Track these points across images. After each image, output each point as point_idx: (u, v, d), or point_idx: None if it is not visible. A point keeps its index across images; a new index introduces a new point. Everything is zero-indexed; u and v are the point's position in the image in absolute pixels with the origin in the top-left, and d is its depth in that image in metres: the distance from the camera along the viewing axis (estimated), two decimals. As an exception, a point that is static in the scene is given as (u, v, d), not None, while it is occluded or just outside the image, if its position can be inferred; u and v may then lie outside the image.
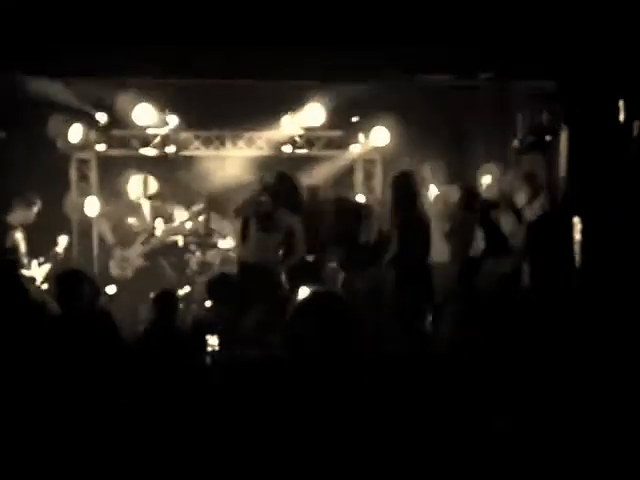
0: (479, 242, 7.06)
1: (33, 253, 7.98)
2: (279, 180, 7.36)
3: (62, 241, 8.41)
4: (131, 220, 8.72)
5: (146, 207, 8.90)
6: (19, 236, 7.82)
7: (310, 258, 7.42)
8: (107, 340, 4.78)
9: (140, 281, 8.35)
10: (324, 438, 2.63)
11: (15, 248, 7.68)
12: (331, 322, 2.79)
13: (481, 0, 7.02)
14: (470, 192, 7.38)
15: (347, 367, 2.79)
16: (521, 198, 6.88)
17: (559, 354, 3.88)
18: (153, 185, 8.85)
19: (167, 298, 5.74)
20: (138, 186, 8.88)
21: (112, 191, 9.05)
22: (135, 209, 8.84)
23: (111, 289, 8.07)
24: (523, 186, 6.98)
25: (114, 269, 8.54)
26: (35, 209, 7.96)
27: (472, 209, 7.13)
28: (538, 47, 7.05)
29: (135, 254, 8.63)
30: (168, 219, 8.89)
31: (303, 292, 7.37)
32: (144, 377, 4.36)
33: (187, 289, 8.59)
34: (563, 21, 6.78)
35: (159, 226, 8.79)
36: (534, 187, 6.98)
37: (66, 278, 5.11)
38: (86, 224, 9.03)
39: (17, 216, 7.81)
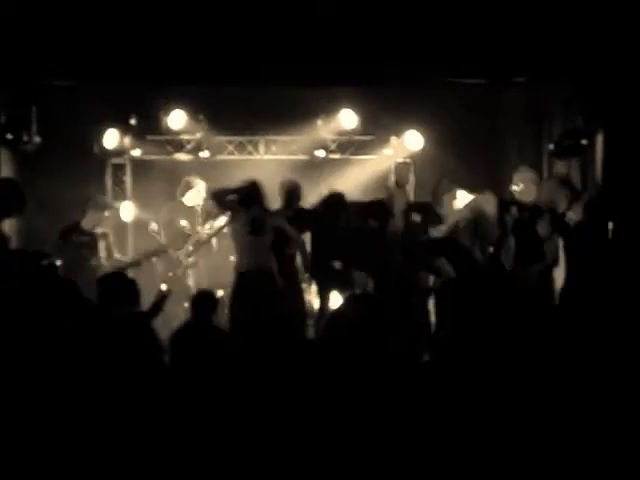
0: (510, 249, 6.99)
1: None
2: (251, 186, 7.40)
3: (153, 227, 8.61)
4: (183, 223, 8.77)
5: (197, 210, 8.96)
6: (96, 240, 7.88)
7: (337, 265, 7.45)
8: (145, 342, 4.81)
9: (183, 283, 8.46)
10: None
11: (91, 251, 7.75)
12: (369, 324, 2.80)
13: (516, 3, 7.02)
14: (504, 199, 7.31)
15: (382, 369, 2.81)
16: (562, 203, 6.79)
17: (593, 360, 3.86)
18: (204, 188, 8.90)
19: (206, 298, 5.77)
20: (191, 189, 8.93)
21: (152, 195, 9.11)
22: (186, 211, 8.89)
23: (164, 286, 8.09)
24: (562, 191, 6.89)
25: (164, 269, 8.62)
26: (107, 212, 7.98)
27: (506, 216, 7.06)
28: (573, 50, 7.02)
29: (185, 255, 8.71)
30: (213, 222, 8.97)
31: (334, 297, 7.47)
32: (180, 377, 4.38)
33: (220, 293, 8.62)
34: (601, 24, 6.74)
35: (207, 229, 8.87)
36: (574, 191, 6.92)
37: (108, 280, 5.16)
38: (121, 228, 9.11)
39: (90, 220, 7.85)
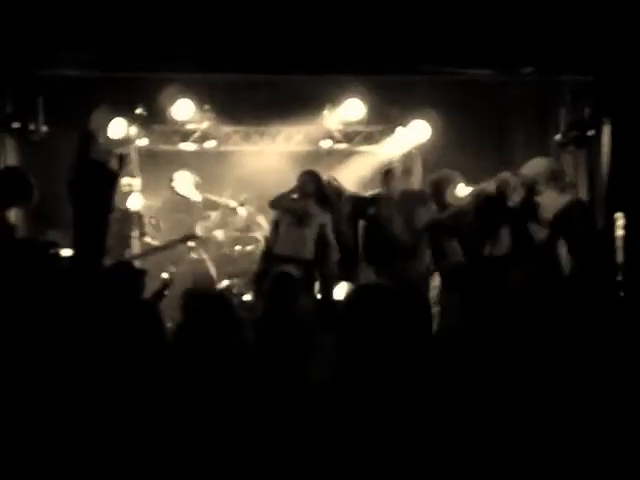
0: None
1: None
2: (309, 179, 7.40)
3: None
4: (181, 215, 8.78)
5: (196, 202, 8.98)
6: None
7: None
8: (151, 333, 4.81)
9: (187, 274, 8.44)
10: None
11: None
12: (383, 315, 2.79)
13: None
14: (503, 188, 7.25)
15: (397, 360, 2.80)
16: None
17: (600, 354, 3.83)
18: (201, 180, 8.93)
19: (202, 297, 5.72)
20: (188, 181, 8.95)
21: (159, 185, 9.13)
22: (185, 204, 8.91)
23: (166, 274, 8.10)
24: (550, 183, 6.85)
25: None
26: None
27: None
28: (580, 40, 7.00)
29: (188, 248, 8.72)
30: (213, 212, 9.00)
31: (340, 289, 7.45)
32: (181, 372, 4.37)
33: (226, 283, 8.63)
34: (608, 13, 6.72)
35: (207, 220, 8.88)
36: (559, 185, 6.87)
37: (118, 270, 5.16)
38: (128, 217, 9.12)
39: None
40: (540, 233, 6.59)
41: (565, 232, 6.32)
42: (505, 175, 6.78)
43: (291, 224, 7.30)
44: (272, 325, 5.11)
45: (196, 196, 8.96)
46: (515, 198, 6.78)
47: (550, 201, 6.43)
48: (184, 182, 8.93)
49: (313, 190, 7.36)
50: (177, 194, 8.94)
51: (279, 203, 7.47)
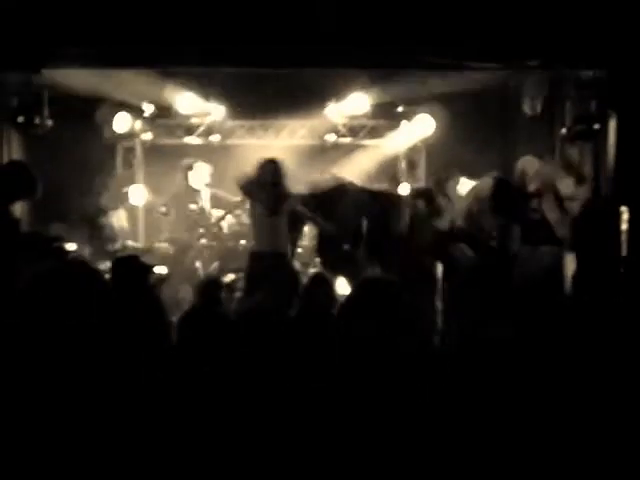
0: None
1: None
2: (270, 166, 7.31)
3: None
4: (192, 206, 8.80)
5: (205, 194, 8.99)
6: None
7: (347, 247, 7.42)
8: (154, 321, 4.80)
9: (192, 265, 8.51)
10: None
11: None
12: (387, 308, 2.77)
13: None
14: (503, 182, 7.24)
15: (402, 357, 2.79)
16: (566, 187, 6.78)
17: (605, 351, 3.81)
18: (210, 172, 8.94)
19: (211, 285, 5.74)
20: (204, 174, 8.95)
21: (164, 179, 9.14)
22: (194, 196, 8.93)
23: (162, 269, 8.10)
24: (566, 175, 6.87)
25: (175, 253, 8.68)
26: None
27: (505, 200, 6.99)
28: (586, 34, 6.97)
29: (196, 239, 8.77)
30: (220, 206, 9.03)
31: (341, 282, 7.44)
32: (185, 361, 4.37)
33: (231, 276, 8.63)
34: (613, 6, 6.69)
35: (215, 213, 8.91)
36: (577, 176, 6.89)
37: (123, 264, 5.16)
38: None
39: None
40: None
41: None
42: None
43: (263, 214, 7.12)
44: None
45: (206, 190, 8.97)
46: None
47: None
48: (200, 174, 8.93)
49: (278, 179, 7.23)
50: (189, 185, 8.93)
51: (247, 187, 7.26)
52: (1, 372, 2.97)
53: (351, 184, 7.86)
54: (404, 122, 9.33)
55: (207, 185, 8.93)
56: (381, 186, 8.74)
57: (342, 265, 7.42)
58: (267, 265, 6.85)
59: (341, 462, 2.68)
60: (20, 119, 7.74)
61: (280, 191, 7.05)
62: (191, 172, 8.86)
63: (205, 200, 8.95)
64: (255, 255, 7.12)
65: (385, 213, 7.64)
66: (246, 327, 3.95)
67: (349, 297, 2.98)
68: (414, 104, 9.02)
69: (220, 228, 8.94)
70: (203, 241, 8.77)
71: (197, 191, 8.92)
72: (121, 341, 3.88)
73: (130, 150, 9.42)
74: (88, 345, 3.41)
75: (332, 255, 7.50)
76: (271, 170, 7.05)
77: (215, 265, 8.71)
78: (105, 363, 3.49)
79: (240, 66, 7.88)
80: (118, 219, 8.52)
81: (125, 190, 8.92)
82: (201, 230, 8.76)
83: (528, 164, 7.01)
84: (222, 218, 8.93)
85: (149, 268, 5.42)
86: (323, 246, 7.66)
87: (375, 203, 7.71)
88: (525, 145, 8.72)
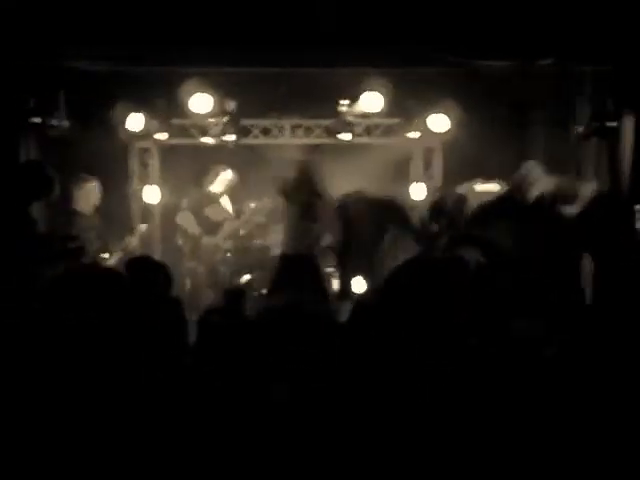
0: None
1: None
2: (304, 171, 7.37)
3: (142, 228, 8.68)
4: (209, 211, 8.88)
5: (225, 198, 9.06)
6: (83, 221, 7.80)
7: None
8: (175, 329, 4.80)
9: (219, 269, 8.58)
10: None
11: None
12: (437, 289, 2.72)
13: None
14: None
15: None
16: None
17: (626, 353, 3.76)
18: (233, 177, 9.03)
19: (236, 296, 5.72)
20: (228, 181, 9.01)
21: (178, 180, 9.19)
22: (214, 200, 9.00)
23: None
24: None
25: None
26: (94, 191, 7.75)
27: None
28: (601, 31, 6.95)
29: (222, 239, 8.85)
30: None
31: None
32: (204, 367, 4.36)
33: (247, 277, 8.66)
34: (629, 3, 6.67)
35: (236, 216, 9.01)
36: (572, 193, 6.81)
37: (137, 265, 5.15)
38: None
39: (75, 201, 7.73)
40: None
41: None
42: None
43: (299, 218, 7.25)
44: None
45: (225, 197, 9.06)
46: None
47: None
48: (223, 182, 9.01)
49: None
50: (209, 191, 8.99)
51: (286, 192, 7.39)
52: (22, 369, 2.99)
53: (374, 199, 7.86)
54: (419, 121, 9.30)
55: (226, 188, 9.03)
56: (396, 190, 8.74)
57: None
58: (298, 267, 6.93)
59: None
60: (36, 120, 7.78)
61: (316, 195, 7.15)
62: (219, 178, 8.96)
63: (226, 204, 9.07)
64: (286, 257, 7.18)
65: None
66: (282, 324, 3.94)
67: (393, 276, 2.92)
68: (429, 103, 8.99)
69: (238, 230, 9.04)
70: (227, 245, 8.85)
71: (214, 195, 9.01)
72: (141, 343, 3.89)
73: (146, 150, 9.44)
74: (110, 346, 3.43)
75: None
76: (308, 173, 7.18)
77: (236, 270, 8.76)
78: (125, 364, 3.51)
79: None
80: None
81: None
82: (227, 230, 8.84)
83: (531, 169, 6.96)
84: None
85: (162, 267, 5.41)
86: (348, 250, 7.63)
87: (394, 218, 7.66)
88: (541, 144, 8.70)
